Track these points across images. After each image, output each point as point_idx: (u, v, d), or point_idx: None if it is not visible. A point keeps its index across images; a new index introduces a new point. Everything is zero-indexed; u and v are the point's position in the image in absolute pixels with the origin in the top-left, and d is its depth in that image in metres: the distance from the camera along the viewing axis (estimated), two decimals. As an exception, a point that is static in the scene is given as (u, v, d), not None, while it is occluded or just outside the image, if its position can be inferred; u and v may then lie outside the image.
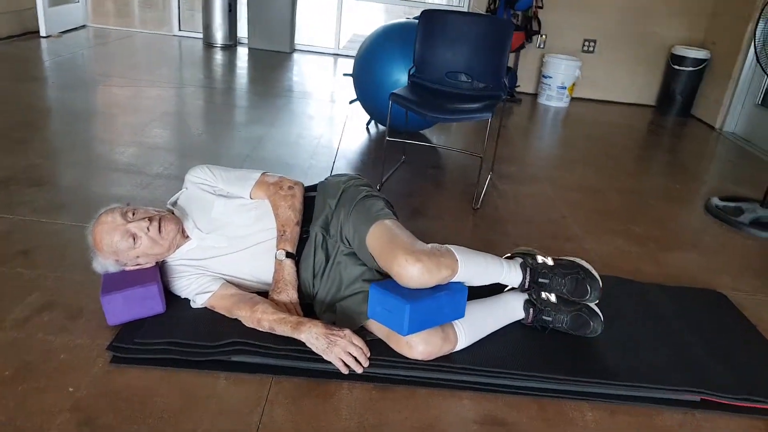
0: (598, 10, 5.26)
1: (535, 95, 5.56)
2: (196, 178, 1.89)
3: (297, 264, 1.80)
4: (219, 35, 6.08)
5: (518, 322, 1.88)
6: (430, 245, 1.65)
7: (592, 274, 1.81)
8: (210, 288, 1.76)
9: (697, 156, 4.35)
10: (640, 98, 5.59)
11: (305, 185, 1.95)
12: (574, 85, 5.23)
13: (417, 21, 3.84)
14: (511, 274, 1.81)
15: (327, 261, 1.81)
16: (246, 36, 6.20)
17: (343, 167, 3.22)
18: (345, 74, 4.11)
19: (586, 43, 5.40)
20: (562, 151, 4.03)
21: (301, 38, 6.59)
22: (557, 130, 4.65)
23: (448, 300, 1.60)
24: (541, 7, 5.11)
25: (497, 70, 2.97)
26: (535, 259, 1.86)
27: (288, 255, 1.77)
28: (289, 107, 4.33)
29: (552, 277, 1.81)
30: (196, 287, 1.76)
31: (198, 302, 1.77)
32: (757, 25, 3.09)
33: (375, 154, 3.58)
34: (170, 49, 5.86)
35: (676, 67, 5.17)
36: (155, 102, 4.06)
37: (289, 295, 1.76)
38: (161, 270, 1.80)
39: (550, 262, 1.85)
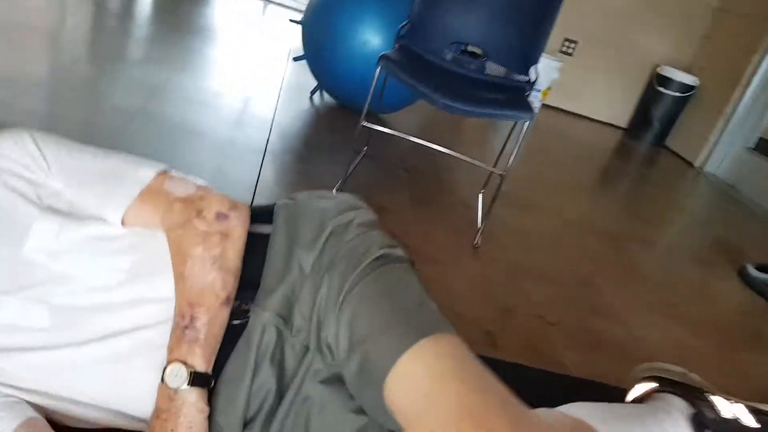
0: (584, 7, 4.50)
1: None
2: (5, 161, 0.82)
3: (210, 395, 0.81)
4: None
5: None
6: (549, 415, 0.74)
7: None
8: None
9: (688, 196, 3.75)
10: (611, 117, 4.93)
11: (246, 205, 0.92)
12: (549, 89, 4.47)
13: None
14: None
15: (280, 392, 0.84)
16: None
17: (279, 151, 2.19)
18: (292, 20, 3.03)
19: (566, 44, 4.64)
20: (552, 171, 3.23)
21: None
22: (538, 142, 3.82)
23: None
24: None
25: (530, 54, 2.07)
26: (716, 410, 0.97)
27: (195, 378, 0.78)
28: (206, 51, 3.20)
29: None
30: None
31: None
32: None
33: (323, 136, 2.58)
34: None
35: (661, 89, 4.54)
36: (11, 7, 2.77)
37: None
38: None
39: (749, 420, 0.98)
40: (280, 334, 0.83)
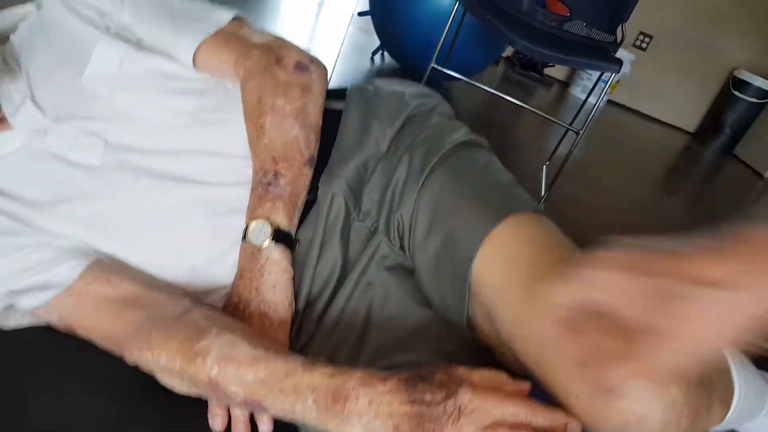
0: (665, 1, 4.28)
1: (566, 84, 4.55)
2: None
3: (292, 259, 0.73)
4: None
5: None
6: None
7: None
8: (57, 277, 0.66)
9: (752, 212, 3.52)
10: (680, 120, 4.70)
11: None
12: (617, 82, 4.28)
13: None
14: None
15: (344, 273, 0.74)
16: None
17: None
18: (361, 13, 2.93)
19: (641, 38, 4.43)
20: (613, 169, 3.04)
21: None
22: (609, 143, 3.63)
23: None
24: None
25: (617, 11, 1.92)
26: None
27: (278, 235, 0.71)
28: (270, 5, 3.13)
29: None
30: (22, 273, 0.67)
31: (26, 309, 0.69)
32: None
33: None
34: None
35: (736, 93, 4.29)
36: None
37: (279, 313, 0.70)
38: None
39: None
40: (348, 211, 0.74)
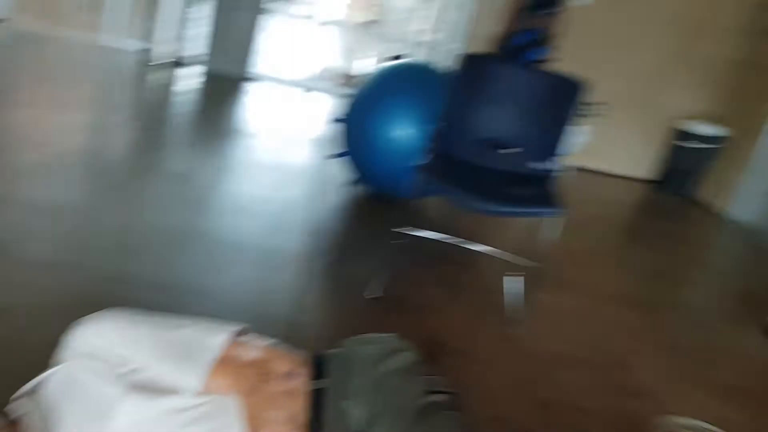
0: (608, 68, 4.66)
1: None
2: (88, 346, 0.97)
3: None
4: (165, 50, 5.13)
5: None
6: None
7: None
8: None
9: (717, 250, 3.84)
10: (637, 171, 5.03)
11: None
12: (576, 152, 4.61)
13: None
14: None
15: None
16: (198, 55, 5.28)
17: (318, 254, 2.38)
18: (337, 119, 3.26)
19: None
20: (581, 239, 3.33)
21: (262, 64, 5.67)
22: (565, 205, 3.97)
23: None
24: (553, 60, 4.48)
25: (555, 144, 2.25)
26: None
27: None
28: (243, 153, 3.46)
29: None
30: None
31: None
32: None
33: (360, 233, 2.77)
34: (103, 62, 4.86)
35: (685, 142, 4.64)
36: (58, 133, 3.02)
37: None
38: None
39: None
40: None
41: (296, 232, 2.50)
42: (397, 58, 3.36)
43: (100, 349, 0.96)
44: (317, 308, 1.98)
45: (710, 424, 1.27)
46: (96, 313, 1.01)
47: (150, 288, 1.79)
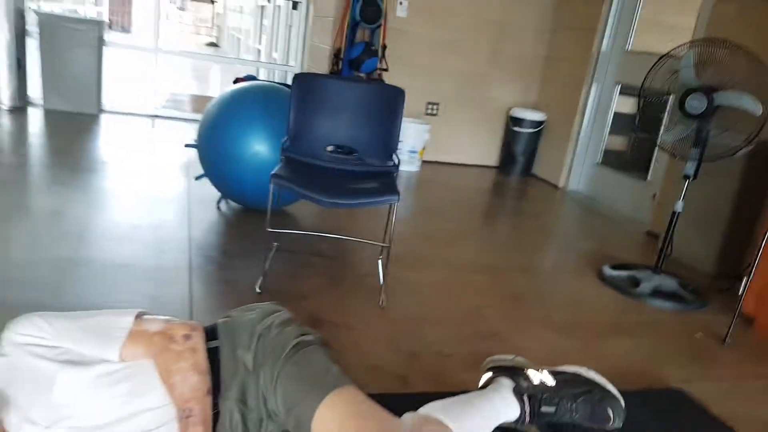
0: (438, 74, 5.20)
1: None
2: (23, 337, 1.15)
3: None
4: (4, 95, 4.94)
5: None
6: (410, 419, 1.16)
7: (609, 392, 1.44)
8: None
9: (558, 218, 4.41)
10: (483, 159, 5.61)
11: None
12: (424, 148, 5.07)
13: (277, 85, 3.36)
14: (508, 409, 1.39)
15: None
16: (40, 96, 5.13)
17: (204, 264, 2.54)
18: (188, 145, 3.40)
19: (430, 107, 5.30)
20: (439, 223, 3.74)
21: (109, 98, 5.62)
22: (422, 197, 4.40)
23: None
24: (386, 70, 4.90)
25: (389, 143, 2.57)
26: (529, 379, 1.44)
27: None
28: (109, 185, 3.50)
29: (559, 402, 1.44)
30: None
31: None
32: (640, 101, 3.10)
33: (238, 241, 2.94)
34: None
35: (516, 128, 5.27)
36: None
37: None
38: None
39: (550, 380, 1.44)
40: (242, 414, 1.22)
41: (179, 250, 2.63)
42: (241, 80, 3.60)
43: (34, 338, 1.14)
44: (210, 310, 2.15)
45: (527, 359, 1.62)
46: (24, 314, 1.18)
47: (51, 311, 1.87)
